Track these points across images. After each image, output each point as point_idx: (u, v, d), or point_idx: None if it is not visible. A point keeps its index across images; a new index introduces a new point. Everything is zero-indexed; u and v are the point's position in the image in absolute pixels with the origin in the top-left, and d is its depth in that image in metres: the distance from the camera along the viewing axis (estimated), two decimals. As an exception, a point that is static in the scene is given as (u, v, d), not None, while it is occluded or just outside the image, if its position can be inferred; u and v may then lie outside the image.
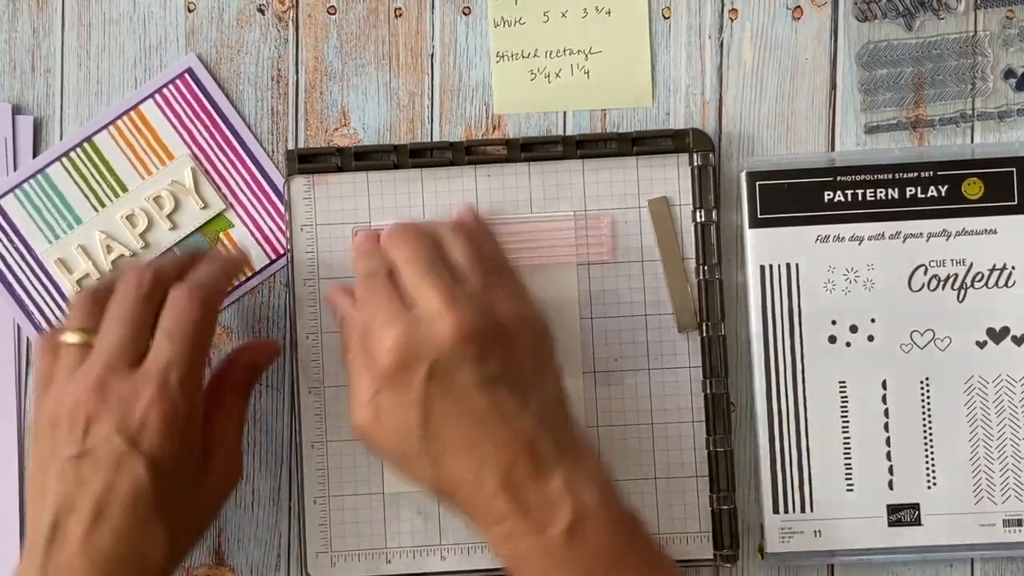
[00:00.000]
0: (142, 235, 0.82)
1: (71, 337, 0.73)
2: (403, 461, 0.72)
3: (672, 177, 0.82)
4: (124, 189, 0.83)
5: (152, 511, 0.70)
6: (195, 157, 0.82)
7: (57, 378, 0.73)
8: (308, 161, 0.82)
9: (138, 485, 0.70)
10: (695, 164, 0.81)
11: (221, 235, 0.82)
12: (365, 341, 0.71)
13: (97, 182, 0.82)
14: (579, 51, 0.83)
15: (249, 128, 0.83)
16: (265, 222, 0.83)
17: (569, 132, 0.83)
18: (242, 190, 0.83)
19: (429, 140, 0.83)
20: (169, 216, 0.82)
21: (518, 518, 0.69)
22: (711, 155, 0.81)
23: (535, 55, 0.83)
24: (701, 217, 0.81)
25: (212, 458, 0.74)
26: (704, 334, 0.81)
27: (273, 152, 0.83)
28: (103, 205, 0.82)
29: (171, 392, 0.71)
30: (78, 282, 0.82)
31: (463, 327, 0.69)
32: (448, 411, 0.70)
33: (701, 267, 0.81)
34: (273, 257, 0.83)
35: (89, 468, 0.70)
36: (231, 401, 0.77)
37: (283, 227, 0.82)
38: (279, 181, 0.83)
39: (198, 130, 0.83)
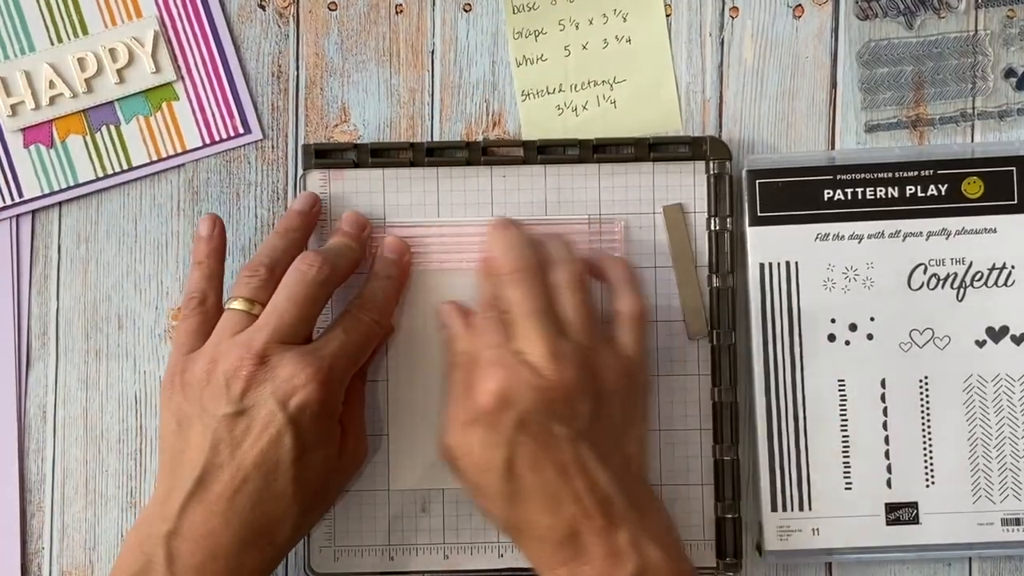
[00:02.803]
0: (88, 80, 0.82)
1: (238, 304, 0.75)
2: (480, 492, 0.74)
3: (688, 184, 0.81)
4: (85, 31, 0.83)
5: (291, 485, 0.72)
6: (162, 21, 0.82)
7: (218, 338, 0.75)
8: (324, 156, 0.81)
9: (285, 458, 0.72)
10: (711, 172, 0.81)
11: (164, 105, 0.83)
12: (469, 371, 0.73)
13: (61, 16, 0.82)
14: (603, 82, 0.83)
15: (225, 14, 0.83)
16: (209, 105, 0.83)
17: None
18: (197, 68, 0.83)
19: (430, 137, 0.83)
20: (119, 71, 0.82)
21: (581, 565, 0.71)
22: (727, 163, 0.81)
23: (560, 90, 0.83)
24: (715, 225, 0.81)
25: (345, 440, 0.77)
26: (714, 342, 0.81)
27: (272, 135, 0.83)
28: (60, 40, 0.82)
29: (332, 381, 0.73)
30: (12, 107, 0.82)
31: (560, 383, 0.72)
32: (531, 458, 0.72)
33: (713, 275, 0.81)
34: (207, 141, 0.83)
35: (242, 429, 0.72)
36: (355, 385, 0.78)
37: (225, 115, 0.82)
38: (235, 66, 0.83)
39: None
